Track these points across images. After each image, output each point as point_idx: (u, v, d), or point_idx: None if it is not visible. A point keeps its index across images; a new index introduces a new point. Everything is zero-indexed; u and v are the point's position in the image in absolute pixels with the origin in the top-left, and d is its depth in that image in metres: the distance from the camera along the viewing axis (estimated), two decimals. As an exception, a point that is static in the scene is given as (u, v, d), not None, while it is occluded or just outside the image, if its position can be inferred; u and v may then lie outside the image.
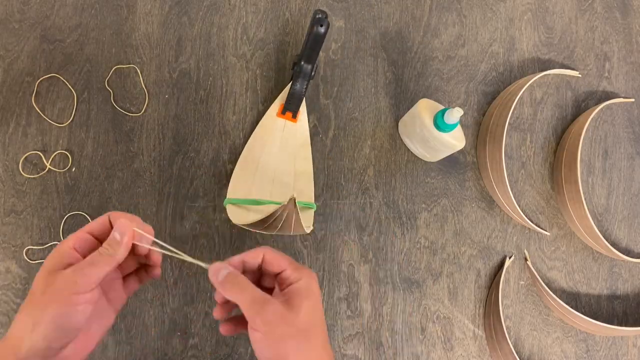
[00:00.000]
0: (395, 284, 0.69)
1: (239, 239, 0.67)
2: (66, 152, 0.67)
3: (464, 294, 0.70)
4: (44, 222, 0.65)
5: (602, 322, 0.66)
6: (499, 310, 0.66)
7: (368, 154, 0.72)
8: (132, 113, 0.69)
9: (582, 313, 0.67)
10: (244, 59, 0.73)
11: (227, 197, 0.64)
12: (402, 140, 0.73)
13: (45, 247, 0.64)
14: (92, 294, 0.37)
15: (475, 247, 0.71)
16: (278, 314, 0.36)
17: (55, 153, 0.67)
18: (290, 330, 0.36)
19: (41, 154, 0.67)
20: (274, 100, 0.70)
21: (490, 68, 0.77)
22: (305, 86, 0.66)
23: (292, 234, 0.65)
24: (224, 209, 0.65)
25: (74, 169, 0.67)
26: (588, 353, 0.71)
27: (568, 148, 0.73)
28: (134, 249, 0.41)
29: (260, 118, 0.70)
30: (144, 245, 0.41)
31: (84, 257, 0.38)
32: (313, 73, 0.65)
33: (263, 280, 0.44)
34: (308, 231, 0.60)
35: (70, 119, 0.68)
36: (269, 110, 0.69)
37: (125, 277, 0.44)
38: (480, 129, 0.75)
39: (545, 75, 0.76)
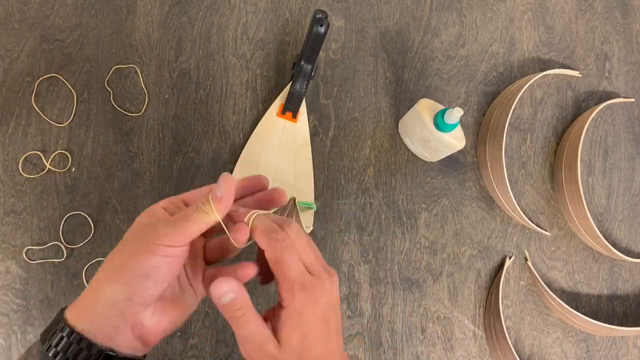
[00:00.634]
0: (395, 284, 0.69)
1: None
2: (66, 152, 0.67)
3: (464, 294, 0.70)
4: (43, 222, 0.65)
5: (602, 322, 0.66)
6: (499, 310, 0.66)
7: (368, 154, 0.72)
8: (132, 113, 0.69)
9: (583, 313, 0.67)
10: (244, 59, 0.73)
11: (227, 197, 0.64)
12: (402, 140, 0.73)
13: (45, 247, 0.64)
14: (182, 249, 0.35)
15: (476, 247, 0.71)
16: (268, 356, 0.35)
17: (55, 153, 0.67)
18: None
19: (41, 154, 0.66)
20: (274, 100, 0.70)
21: (491, 68, 0.77)
22: (305, 86, 0.66)
23: (292, 234, 0.65)
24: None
25: (73, 169, 0.67)
26: (588, 353, 0.71)
27: (568, 148, 0.73)
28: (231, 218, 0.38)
29: (260, 118, 0.70)
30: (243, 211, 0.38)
31: None
32: (313, 73, 0.64)
33: None
34: (308, 231, 0.60)
35: (70, 119, 0.68)
36: (269, 110, 0.69)
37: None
38: (481, 129, 0.75)
39: (545, 75, 0.76)
